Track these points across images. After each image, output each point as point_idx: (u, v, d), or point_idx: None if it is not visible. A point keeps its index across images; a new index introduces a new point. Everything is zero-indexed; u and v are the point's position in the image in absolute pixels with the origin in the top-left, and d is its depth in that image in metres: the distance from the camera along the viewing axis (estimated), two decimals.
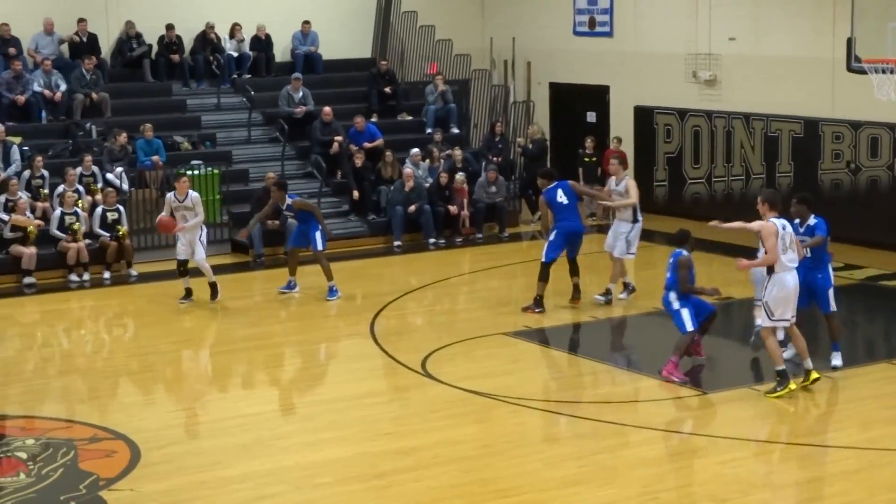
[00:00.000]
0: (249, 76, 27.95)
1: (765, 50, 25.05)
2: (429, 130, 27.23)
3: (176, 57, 27.23)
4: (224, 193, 24.06)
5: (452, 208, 24.81)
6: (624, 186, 19.35)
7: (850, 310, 19.86)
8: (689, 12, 26.33)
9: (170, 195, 20.04)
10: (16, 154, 23.17)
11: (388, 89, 28.01)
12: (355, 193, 24.88)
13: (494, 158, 26.43)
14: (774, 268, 14.57)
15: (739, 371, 16.13)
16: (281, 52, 28.83)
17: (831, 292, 15.82)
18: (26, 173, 22.74)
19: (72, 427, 14.10)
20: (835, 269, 16.55)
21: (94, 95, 25.17)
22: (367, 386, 15.95)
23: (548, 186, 19.15)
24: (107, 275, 21.87)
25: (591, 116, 28.86)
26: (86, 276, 21.72)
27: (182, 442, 13.63)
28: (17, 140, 23.66)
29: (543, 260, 19.03)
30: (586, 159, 26.91)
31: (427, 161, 25.75)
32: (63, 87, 25.24)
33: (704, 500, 11.74)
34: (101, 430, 13.88)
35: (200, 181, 23.62)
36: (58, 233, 21.77)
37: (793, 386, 14.59)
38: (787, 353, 15.52)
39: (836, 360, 15.84)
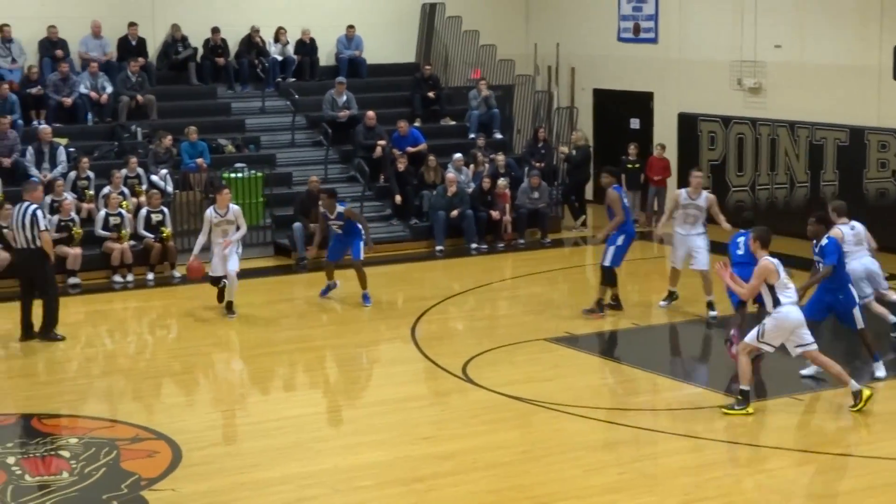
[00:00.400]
0: (294, 80, 28.05)
1: (810, 58, 24.95)
2: (472, 135, 27.26)
3: (221, 60, 27.37)
4: (267, 196, 24.14)
5: (495, 213, 24.81)
6: (705, 200, 19.02)
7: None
8: (734, 19, 26.26)
9: (209, 211, 19.75)
10: (62, 155, 23.33)
11: (431, 94, 28.05)
12: (398, 198, 24.92)
13: (537, 164, 26.43)
14: (780, 300, 14.35)
15: (781, 380, 16.04)
16: (325, 56, 28.93)
17: (856, 311, 15.74)
18: (72, 174, 22.91)
19: (114, 427, 14.18)
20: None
21: (139, 98, 25.32)
22: (407, 390, 15.98)
23: (614, 184, 19.15)
24: (150, 276, 22.00)
25: (635, 123, 28.82)
26: (130, 277, 21.86)
27: (223, 443, 13.70)
28: (64, 141, 23.83)
29: (608, 264, 18.92)
30: (629, 166, 26.86)
31: (470, 166, 25.77)
32: (109, 89, 25.41)
33: None
34: (144, 430, 13.96)
35: (244, 184, 23.74)
36: (102, 233, 21.91)
37: (750, 410, 14.32)
38: (809, 371, 15.61)
39: (880, 370, 15.76)
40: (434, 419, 14.64)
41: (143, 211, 22.42)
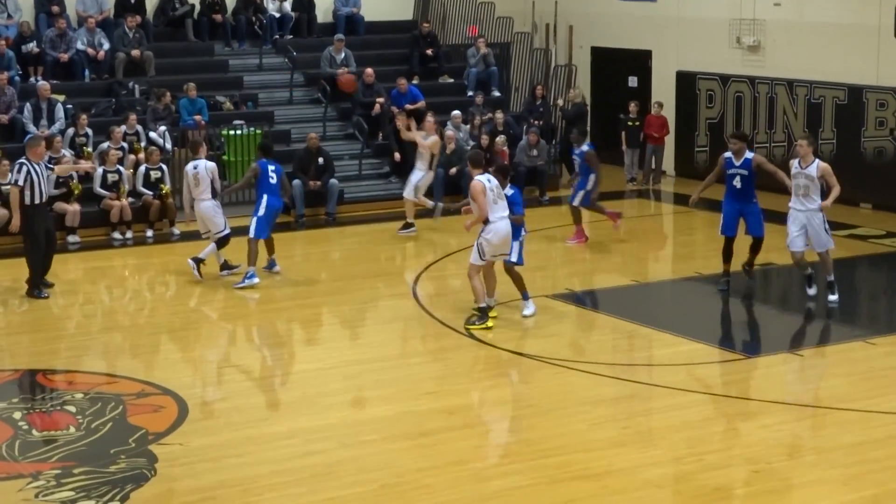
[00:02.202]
0: (291, 37, 27.97)
1: (809, 16, 24.93)
2: (470, 93, 27.23)
3: (218, 17, 27.29)
4: None
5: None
6: (816, 170, 16.94)
7: (891, 277, 19.89)
8: None
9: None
10: (60, 112, 23.29)
11: (429, 52, 28.00)
12: (396, 155, 24.89)
13: (535, 122, 26.42)
14: (489, 217, 15.85)
15: (782, 335, 16.15)
16: (323, 12, 28.85)
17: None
18: (70, 131, 22.87)
19: (119, 382, 14.22)
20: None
21: (135, 53, 25.23)
22: (409, 346, 16.05)
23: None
24: (150, 233, 22.01)
25: (633, 81, 28.79)
26: (129, 234, 21.87)
27: (228, 398, 13.73)
28: (61, 98, 23.77)
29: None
30: (630, 123, 26.89)
31: (468, 124, 25.75)
32: (106, 45, 25.34)
33: (748, 462, 11.77)
34: (148, 385, 14.00)
35: (242, 141, 23.74)
36: (101, 191, 21.91)
37: (490, 324, 15.98)
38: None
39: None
40: (437, 375, 14.70)
41: (142, 168, 22.40)
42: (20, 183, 17.62)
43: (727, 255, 17.70)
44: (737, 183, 17.40)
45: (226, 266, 19.11)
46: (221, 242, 18.95)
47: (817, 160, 17.05)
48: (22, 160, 17.80)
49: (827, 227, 17.11)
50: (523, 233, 16.89)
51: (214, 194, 19.08)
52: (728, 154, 17.52)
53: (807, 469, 11.57)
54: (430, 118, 22.71)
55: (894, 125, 23.29)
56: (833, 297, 17.16)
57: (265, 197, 18.63)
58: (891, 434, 12.38)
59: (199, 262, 18.84)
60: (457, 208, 18.72)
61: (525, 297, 16.74)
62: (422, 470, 11.58)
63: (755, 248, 17.83)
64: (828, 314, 17.07)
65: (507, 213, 16.11)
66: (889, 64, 23.22)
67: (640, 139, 26.85)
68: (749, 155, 17.39)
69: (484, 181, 15.96)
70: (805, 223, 17.05)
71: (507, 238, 16.11)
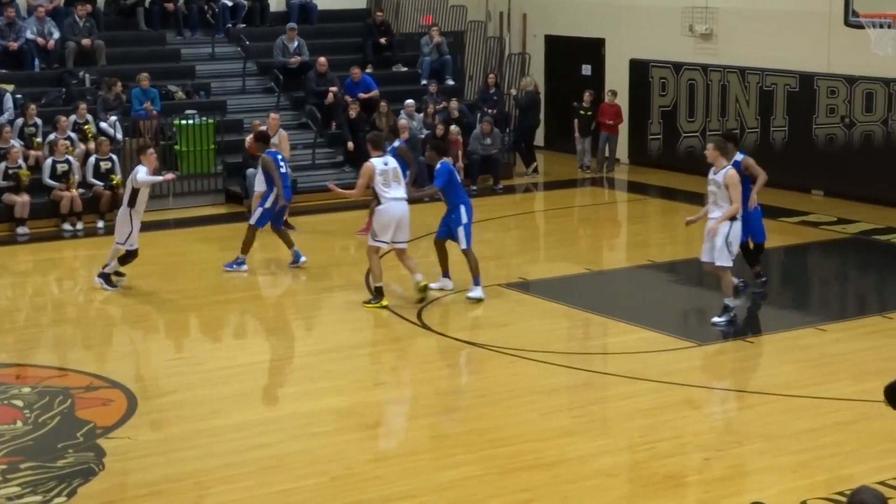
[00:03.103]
0: (244, 26, 27.83)
1: (761, 4, 24.99)
2: (424, 82, 27.18)
3: (170, 5, 27.12)
4: (218, 143, 24.01)
5: (447, 160, 24.71)
6: (723, 177, 15.46)
7: (843, 264, 19.98)
8: None
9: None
10: (8, 102, 23.09)
11: (383, 40, 27.93)
12: (350, 144, 24.83)
13: (489, 111, 26.40)
14: (381, 199, 16.43)
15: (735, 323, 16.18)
16: (276, 1, 28.74)
17: None
18: (19, 121, 22.68)
19: (67, 375, 14.10)
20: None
21: (86, 43, 25.03)
22: (362, 336, 15.98)
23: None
24: (100, 224, 21.86)
25: (587, 69, 28.80)
26: (79, 226, 21.72)
27: (178, 391, 13.61)
28: (10, 88, 23.56)
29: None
30: (582, 112, 26.89)
31: (422, 113, 25.71)
32: (56, 34, 25.13)
33: (699, 450, 11.79)
34: (97, 378, 13.89)
35: (195, 131, 23.61)
36: (50, 182, 21.73)
37: (385, 303, 16.45)
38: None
39: None
40: (390, 365, 14.68)
41: (92, 158, 22.24)
42: None
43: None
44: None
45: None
46: None
47: (729, 166, 15.49)
48: None
49: (730, 241, 15.47)
50: (464, 218, 16.96)
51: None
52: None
53: (757, 456, 11.59)
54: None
55: (845, 112, 23.39)
56: (717, 320, 15.63)
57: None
58: (840, 420, 12.43)
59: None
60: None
61: (476, 282, 16.76)
62: (373, 461, 11.54)
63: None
64: (780, 302, 17.12)
65: (401, 195, 16.57)
66: (840, 51, 23.31)
67: (593, 127, 26.87)
68: (739, 157, 16.44)
69: (378, 164, 16.54)
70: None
71: (400, 220, 16.51)
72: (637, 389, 13.49)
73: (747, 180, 16.40)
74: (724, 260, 15.54)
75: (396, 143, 19.59)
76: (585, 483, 11.01)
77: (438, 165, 17.05)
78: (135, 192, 17.36)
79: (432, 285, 17.12)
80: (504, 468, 11.28)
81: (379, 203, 16.63)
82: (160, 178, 18.13)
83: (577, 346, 15.41)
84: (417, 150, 24.11)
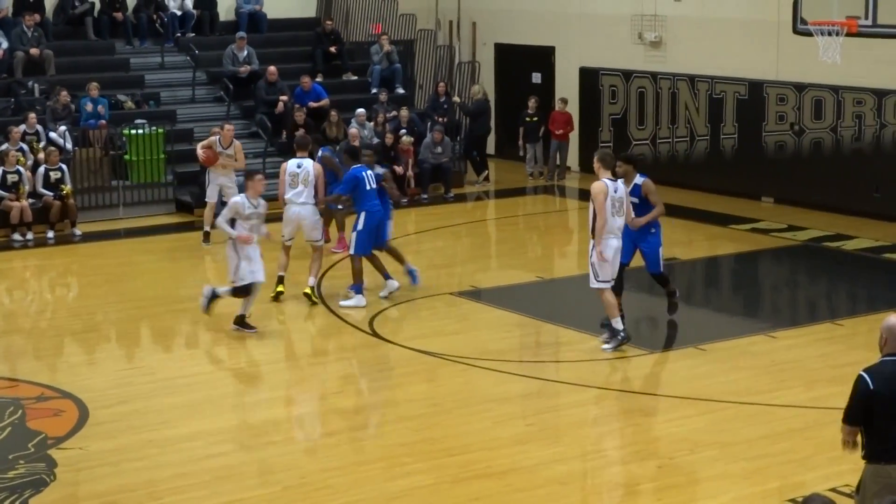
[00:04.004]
0: (193, 35, 27.72)
1: (710, 12, 25.12)
2: (374, 91, 27.15)
3: (119, 15, 26.97)
4: (168, 153, 23.90)
5: (398, 168, 24.75)
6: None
7: (793, 270, 20.10)
8: None
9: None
10: None
11: (332, 49, 27.88)
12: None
13: (440, 119, 26.41)
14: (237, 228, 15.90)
15: (685, 330, 16.23)
16: (225, 10, 28.62)
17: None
18: None
19: (17, 386, 14.02)
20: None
21: (34, 52, 24.87)
22: (314, 345, 15.98)
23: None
24: (50, 234, 21.71)
25: (537, 77, 28.85)
26: (29, 236, 21.55)
27: (129, 401, 13.53)
28: None
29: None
30: (528, 119, 26.95)
31: (372, 121, 25.69)
32: (4, 44, 24.97)
33: (651, 458, 11.84)
34: (48, 388, 13.80)
35: (144, 140, 23.51)
36: (0, 192, 21.57)
37: (281, 288, 17.20)
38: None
39: None
40: (342, 374, 14.66)
41: (42, 168, 22.10)
42: None
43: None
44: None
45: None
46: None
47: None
48: None
49: (592, 265, 14.84)
50: (359, 225, 16.98)
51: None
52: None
53: (710, 463, 11.65)
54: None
55: (795, 119, 23.52)
56: (605, 346, 15.07)
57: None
58: (792, 427, 12.51)
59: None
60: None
61: (355, 289, 17.11)
62: (325, 470, 11.52)
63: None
64: (731, 309, 17.20)
65: (304, 199, 17.17)
66: (788, 59, 23.46)
67: (540, 134, 26.92)
68: (639, 180, 15.63)
69: (291, 165, 17.32)
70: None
71: (297, 221, 17.28)
72: (589, 397, 13.54)
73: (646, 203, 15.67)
74: (592, 282, 14.94)
75: (321, 152, 19.57)
76: (537, 491, 11.03)
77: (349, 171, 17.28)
78: (232, 223, 15.93)
79: (380, 294, 17.23)
80: (456, 477, 11.29)
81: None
82: (234, 233, 15.68)
83: (529, 354, 15.42)
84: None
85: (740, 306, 17.68)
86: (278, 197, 17.60)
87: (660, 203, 15.67)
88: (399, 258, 17.83)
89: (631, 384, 14.08)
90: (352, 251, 17.19)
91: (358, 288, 17.10)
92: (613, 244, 14.75)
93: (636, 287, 17.75)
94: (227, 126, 21.04)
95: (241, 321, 15.85)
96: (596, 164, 14.92)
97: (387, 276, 17.43)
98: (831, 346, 15.32)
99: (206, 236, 20.71)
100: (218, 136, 20.78)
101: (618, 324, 15.00)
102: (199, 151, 20.88)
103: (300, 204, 17.31)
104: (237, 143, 21.07)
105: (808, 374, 14.19)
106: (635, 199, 15.44)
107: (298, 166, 17.32)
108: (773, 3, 23.47)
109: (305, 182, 17.25)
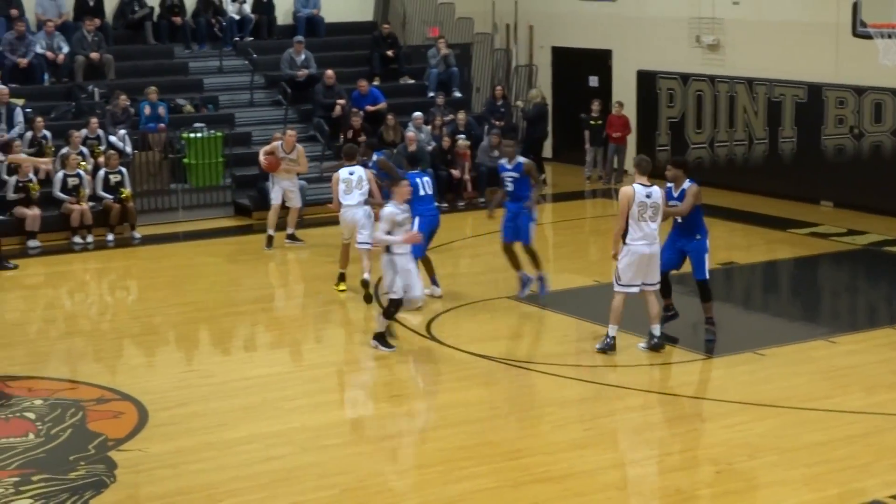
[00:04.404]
0: (251, 39, 27.89)
1: (769, 14, 25.00)
2: (431, 94, 27.20)
3: (178, 19, 27.18)
4: (227, 156, 24.04)
5: (455, 172, 24.79)
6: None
7: (853, 275, 19.96)
8: None
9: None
10: (19, 116, 23.10)
11: (390, 53, 27.96)
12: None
13: (497, 123, 26.41)
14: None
15: (744, 335, 16.15)
16: (283, 14, 28.78)
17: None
18: (28, 135, 22.70)
19: (78, 388, 14.14)
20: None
21: (94, 56, 25.08)
22: (372, 349, 15.98)
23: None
24: (110, 237, 21.90)
25: (594, 81, 28.81)
26: (89, 239, 21.73)
27: (189, 403, 13.62)
28: (20, 102, 23.59)
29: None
30: (592, 122, 26.92)
31: (429, 125, 25.73)
32: (65, 49, 25.20)
33: (710, 463, 11.79)
34: (108, 391, 13.92)
35: (203, 144, 23.65)
36: (61, 195, 21.77)
37: (342, 287, 17.91)
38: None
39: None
40: (400, 378, 14.68)
41: (101, 172, 22.28)
42: None
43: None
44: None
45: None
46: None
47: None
48: None
49: (616, 269, 15.11)
50: (412, 227, 15.83)
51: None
52: (668, 184, 15.63)
53: (769, 469, 11.58)
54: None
55: (854, 123, 23.37)
56: (639, 345, 15.29)
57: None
58: (852, 433, 12.41)
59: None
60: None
61: (433, 280, 17.64)
62: (384, 474, 11.56)
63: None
64: (790, 314, 17.12)
65: (357, 201, 17.74)
66: (848, 61, 23.31)
67: (603, 138, 26.89)
68: (687, 185, 15.49)
69: (343, 173, 17.88)
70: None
71: (351, 224, 17.78)
72: (647, 402, 13.50)
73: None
74: (614, 285, 15.16)
75: (374, 156, 19.61)
76: (595, 496, 11.00)
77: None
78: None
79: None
80: (514, 481, 11.28)
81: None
82: (399, 238, 15.10)
83: (587, 358, 15.38)
84: (426, 162, 24.13)
85: (799, 311, 17.59)
86: (333, 203, 18.10)
87: (687, 208, 15.38)
88: (533, 261, 17.57)
89: (689, 389, 14.02)
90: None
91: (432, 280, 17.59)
92: (641, 250, 14.84)
93: (693, 291, 17.69)
94: (289, 131, 21.26)
95: (380, 337, 15.42)
96: (633, 169, 15.24)
97: (434, 281, 17.66)
98: (892, 352, 15.20)
99: (270, 241, 20.82)
100: (280, 142, 20.91)
101: (612, 331, 15.07)
102: (262, 158, 21.05)
103: (354, 206, 17.81)
104: (300, 147, 21.27)
105: (868, 380, 14.08)
106: (679, 204, 15.41)
107: (350, 173, 17.92)
108: (832, 5, 23.35)
109: (359, 186, 17.87)
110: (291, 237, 21.12)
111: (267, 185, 21.79)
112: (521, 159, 17.64)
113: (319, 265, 19.86)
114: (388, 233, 15.04)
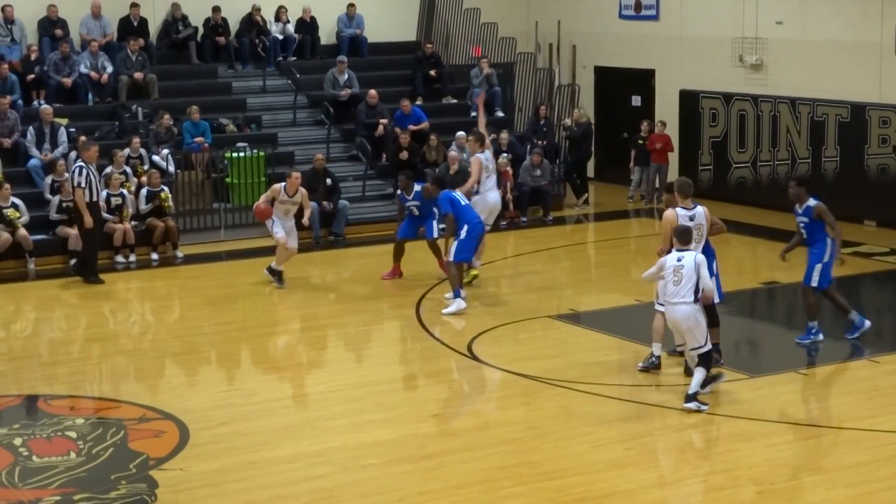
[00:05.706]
0: (294, 59, 28.01)
1: (812, 34, 24.91)
2: (473, 114, 27.18)
3: (221, 39, 27.33)
4: (269, 176, 24.09)
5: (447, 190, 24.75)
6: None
7: (895, 295, 19.84)
8: None
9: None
10: (63, 135, 23.29)
11: (433, 72, 28.02)
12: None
13: (539, 142, 26.41)
14: None
15: (785, 355, 16.07)
16: (326, 34, 28.89)
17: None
18: (72, 154, 22.84)
19: (120, 407, 14.20)
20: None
21: (138, 76, 25.26)
22: (413, 368, 16.02)
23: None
24: (154, 256, 22.00)
25: (636, 100, 28.79)
26: (132, 258, 21.84)
27: (230, 422, 13.65)
28: (64, 122, 23.78)
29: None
30: (640, 142, 26.95)
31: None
32: (109, 69, 25.38)
33: (751, 483, 11.71)
34: (150, 410, 13.97)
35: (246, 164, 23.74)
36: (104, 214, 21.86)
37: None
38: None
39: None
40: (441, 397, 14.67)
41: (144, 190, 22.40)
42: (83, 185, 19.96)
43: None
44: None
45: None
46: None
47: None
48: (80, 164, 20.12)
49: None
50: (462, 235, 18.14)
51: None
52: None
53: (811, 490, 11.52)
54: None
55: None
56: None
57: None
58: (893, 454, 12.32)
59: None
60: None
61: (455, 293, 18.01)
62: (424, 493, 11.54)
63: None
64: (832, 333, 17.00)
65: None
66: (891, 81, 23.20)
67: (649, 158, 26.87)
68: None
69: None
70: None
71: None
72: (688, 422, 13.43)
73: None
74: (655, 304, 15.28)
75: (417, 186, 19.96)
76: None
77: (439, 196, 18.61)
78: None
79: (444, 311, 17.96)
80: (554, 501, 11.26)
81: None
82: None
83: (628, 377, 15.33)
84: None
85: (842, 331, 17.47)
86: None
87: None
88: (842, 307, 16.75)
89: (730, 408, 13.93)
90: (451, 258, 18.03)
91: (457, 292, 17.87)
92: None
93: (736, 310, 17.64)
94: (294, 174, 20.15)
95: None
96: (674, 194, 15.16)
97: (457, 293, 18.02)
98: None
99: (280, 276, 20.08)
100: (284, 184, 19.93)
101: (657, 350, 15.13)
102: (258, 204, 19.95)
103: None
104: (303, 190, 20.02)
105: None
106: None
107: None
108: (875, 24, 23.26)
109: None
110: (272, 270, 20.13)
111: (267, 223, 20.97)
112: (812, 202, 16.30)
113: (361, 283, 19.89)
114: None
